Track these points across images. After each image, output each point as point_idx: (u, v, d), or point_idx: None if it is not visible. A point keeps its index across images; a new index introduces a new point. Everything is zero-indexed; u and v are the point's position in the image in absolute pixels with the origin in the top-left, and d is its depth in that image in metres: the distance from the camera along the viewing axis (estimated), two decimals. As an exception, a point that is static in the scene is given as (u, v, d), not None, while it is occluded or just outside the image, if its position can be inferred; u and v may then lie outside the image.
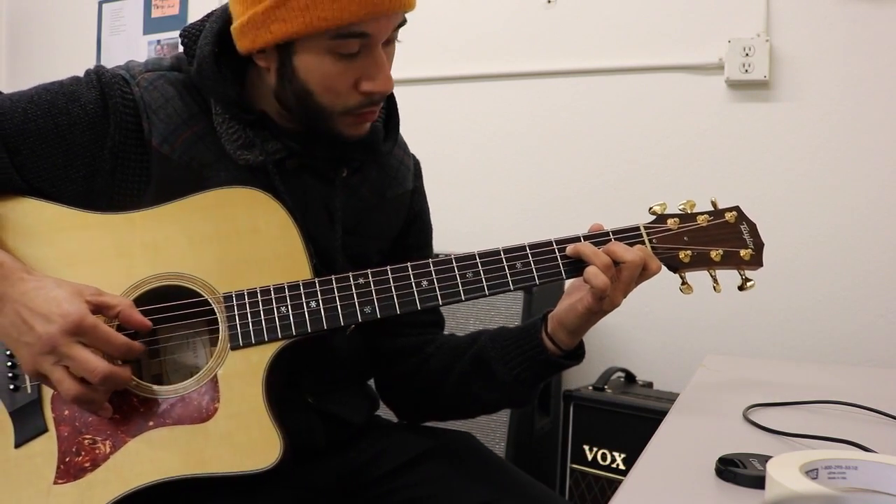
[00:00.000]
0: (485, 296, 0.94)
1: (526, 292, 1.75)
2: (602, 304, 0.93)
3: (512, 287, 0.95)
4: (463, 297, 0.94)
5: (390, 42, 0.94)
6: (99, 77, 0.97)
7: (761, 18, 1.84)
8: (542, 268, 0.95)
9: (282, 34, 0.87)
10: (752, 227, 1.01)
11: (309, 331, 0.91)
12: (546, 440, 1.87)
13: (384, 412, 1.18)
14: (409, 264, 0.94)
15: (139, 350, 0.87)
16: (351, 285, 0.93)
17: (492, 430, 1.71)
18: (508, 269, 0.95)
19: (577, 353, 1.02)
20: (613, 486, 1.65)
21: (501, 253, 0.95)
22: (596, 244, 0.95)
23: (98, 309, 0.86)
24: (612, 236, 0.98)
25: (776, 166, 1.85)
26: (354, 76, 0.91)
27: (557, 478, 1.76)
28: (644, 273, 0.95)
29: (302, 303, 0.92)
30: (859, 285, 1.78)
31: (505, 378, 1.02)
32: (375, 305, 0.93)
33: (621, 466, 1.66)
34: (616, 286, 0.93)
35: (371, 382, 1.18)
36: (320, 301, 0.92)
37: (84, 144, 0.94)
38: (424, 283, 0.94)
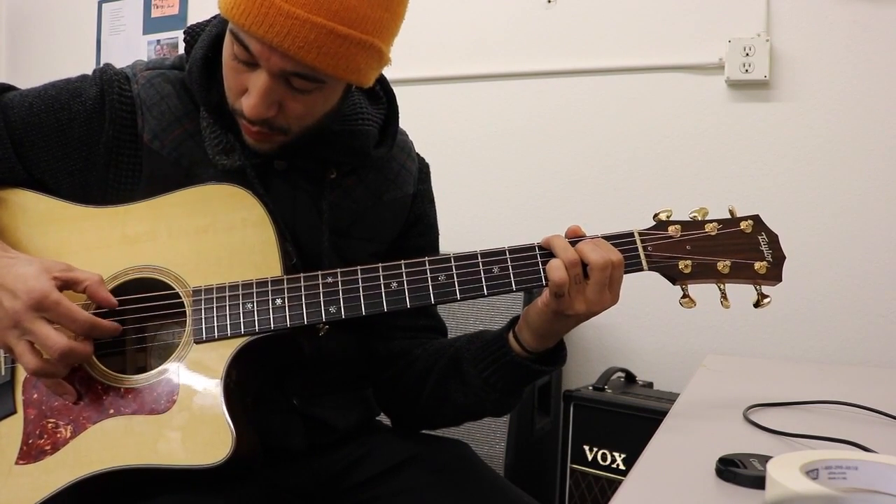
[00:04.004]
0: (456, 300, 0.91)
1: (526, 292, 1.74)
2: (560, 303, 0.89)
3: (486, 293, 0.91)
4: (433, 301, 0.91)
5: (290, 85, 0.88)
6: (102, 74, 1.00)
7: (761, 18, 1.84)
8: (520, 272, 0.91)
9: (219, 5, 0.88)
10: (773, 239, 0.94)
11: (272, 328, 0.90)
12: (546, 440, 1.86)
13: (385, 418, 1.16)
14: (380, 265, 0.93)
15: (106, 327, 0.87)
16: (319, 284, 0.91)
17: (492, 431, 1.71)
18: (484, 274, 0.91)
19: (553, 358, 0.97)
20: (613, 486, 1.65)
21: (478, 256, 0.92)
22: (574, 244, 0.91)
23: (67, 284, 0.87)
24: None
25: (776, 166, 1.85)
26: (243, 84, 0.90)
27: (557, 478, 1.76)
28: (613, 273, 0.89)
29: (268, 300, 0.91)
30: (859, 285, 1.77)
31: (474, 381, 0.98)
32: (341, 305, 0.91)
33: (621, 466, 1.65)
34: (578, 288, 0.89)
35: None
36: (286, 299, 0.91)
37: (80, 138, 0.97)
38: (394, 284, 0.91)
